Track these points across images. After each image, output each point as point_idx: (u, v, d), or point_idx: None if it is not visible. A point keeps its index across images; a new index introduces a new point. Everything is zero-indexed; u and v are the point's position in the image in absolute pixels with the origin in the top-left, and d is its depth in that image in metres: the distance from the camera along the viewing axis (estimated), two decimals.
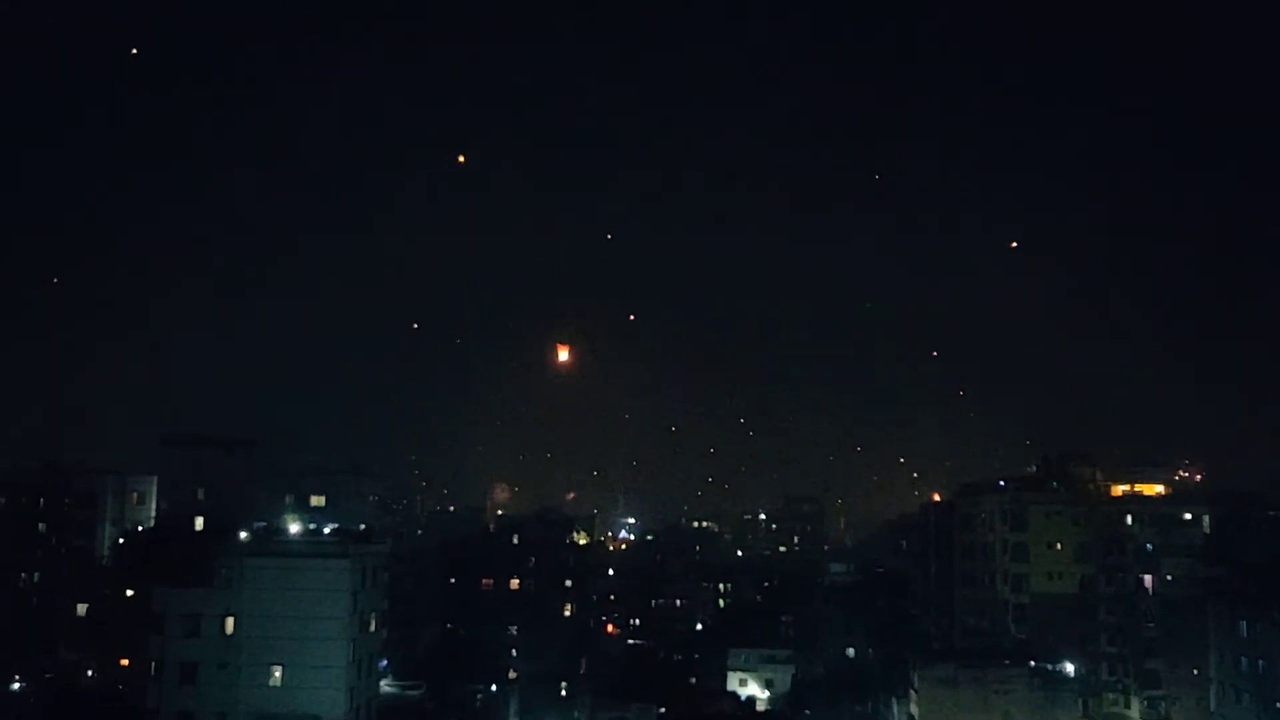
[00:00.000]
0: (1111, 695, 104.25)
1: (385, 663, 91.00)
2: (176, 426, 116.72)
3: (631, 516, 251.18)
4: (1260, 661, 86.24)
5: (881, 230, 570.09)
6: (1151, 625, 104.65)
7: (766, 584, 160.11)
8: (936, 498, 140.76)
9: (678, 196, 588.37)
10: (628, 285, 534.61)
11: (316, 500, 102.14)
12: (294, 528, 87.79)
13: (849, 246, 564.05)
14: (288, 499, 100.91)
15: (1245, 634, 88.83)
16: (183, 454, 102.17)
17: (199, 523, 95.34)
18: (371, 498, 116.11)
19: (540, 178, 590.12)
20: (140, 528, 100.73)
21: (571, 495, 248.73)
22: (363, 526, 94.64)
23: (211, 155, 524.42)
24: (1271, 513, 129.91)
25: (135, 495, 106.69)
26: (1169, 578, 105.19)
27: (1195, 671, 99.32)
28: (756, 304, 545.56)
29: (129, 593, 79.83)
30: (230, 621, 76.00)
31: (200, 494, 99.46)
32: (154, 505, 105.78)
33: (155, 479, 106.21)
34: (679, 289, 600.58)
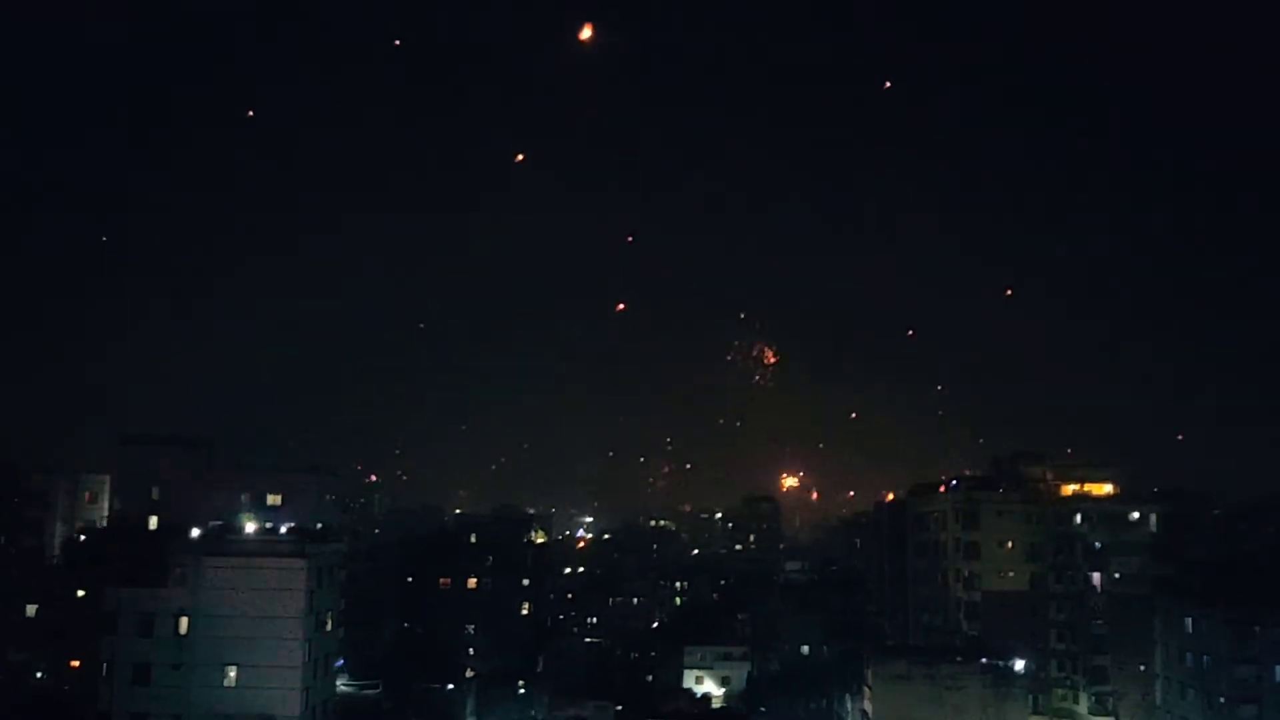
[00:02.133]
0: (1060, 691, 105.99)
1: (342, 662, 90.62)
2: (131, 426, 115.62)
3: (589, 516, 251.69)
4: (1205, 657, 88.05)
5: (842, 233, 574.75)
6: (1099, 622, 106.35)
7: (723, 582, 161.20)
8: (890, 497, 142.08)
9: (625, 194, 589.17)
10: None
11: (273, 499, 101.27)
12: (250, 527, 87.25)
13: (809, 246, 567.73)
14: (243, 498, 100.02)
15: (1191, 630, 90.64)
16: (138, 454, 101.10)
17: (153, 522, 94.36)
18: (329, 497, 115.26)
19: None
20: (93, 527, 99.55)
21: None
22: (319, 525, 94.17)
23: (174, 150, 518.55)
24: (1217, 512, 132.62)
25: (88, 494, 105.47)
26: (1117, 575, 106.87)
27: (1142, 667, 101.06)
28: (711, 302, 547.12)
29: (80, 593, 78.91)
30: (184, 621, 75.57)
31: (155, 493, 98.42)
32: (107, 504, 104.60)
33: (108, 478, 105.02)
34: (626, 288, 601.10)
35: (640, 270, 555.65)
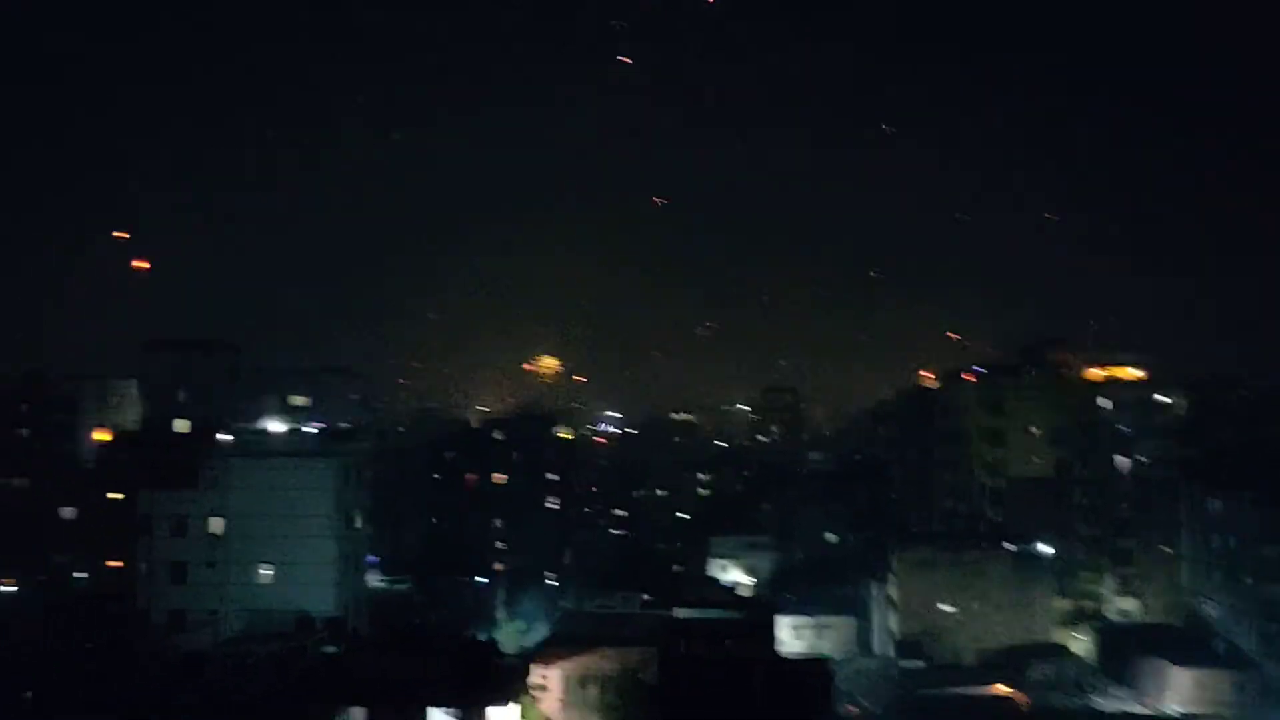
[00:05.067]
0: (1085, 574, 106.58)
1: (373, 559, 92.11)
2: (158, 331, 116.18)
3: (613, 411, 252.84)
4: (1230, 539, 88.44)
5: (855, 120, 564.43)
6: (1125, 506, 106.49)
7: (746, 474, 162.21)
8: (917, 384, 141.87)
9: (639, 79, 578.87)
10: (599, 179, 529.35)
11: (299, 400, 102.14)
12: (277, 428, 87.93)
13: (824, 137, 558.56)
14: (270, 400, 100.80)
15: (1216, 513, 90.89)
16: (164, 358, 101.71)
17: (182, 426, 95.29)
18: (354, 397, 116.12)
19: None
20: (123, 431, 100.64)
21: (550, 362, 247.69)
22: (345, 425, 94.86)
23: (185, 49, 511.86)
24: (1244, 394, 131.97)
25: (116, 399, 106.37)
26: (1143, 460, 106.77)
27: (1167, 550, 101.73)
28: (726, 197, 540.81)
29: (115, 496, 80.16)
30: (217, 522, 76.64)
31: (182, 397, 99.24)
32: (136, 409, 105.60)
33: (135, 382, 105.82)
34: (647, 181, 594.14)
35: (670, 167, 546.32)
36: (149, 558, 76.84)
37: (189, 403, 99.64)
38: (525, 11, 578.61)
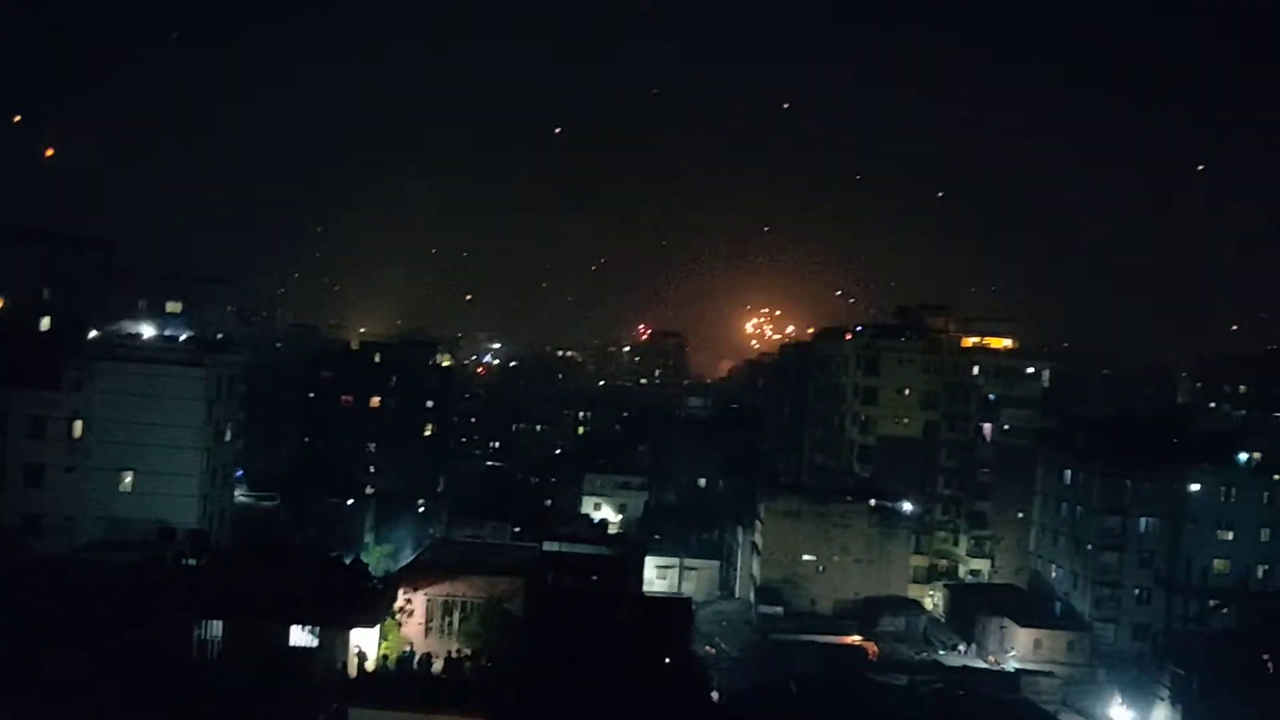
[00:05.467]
0: (942, 533, 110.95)
1: (241, 473, 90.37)
2: (24, 220, 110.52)
3: (496, 343, 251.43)
4: (1078, 507, 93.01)
5: (763, 67, 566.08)
6: (985, 471, 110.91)
7: (626, 414, 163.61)
8: (795, 339, 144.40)
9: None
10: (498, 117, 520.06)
11: (173, 307, 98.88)
12: (148, 333, 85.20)
13: (727, 80, 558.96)
14: (142, 304, 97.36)
15: (1068, 481, 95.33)
16: (29, 250, 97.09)
17: (45, 323, 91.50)
18: (230, 308, 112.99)
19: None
20: None
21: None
22: (220, 336, 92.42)
23: None
24: (1106, 373, 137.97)
25: None
26: (1006, 427, 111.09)
27: (1020, 515, 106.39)
28: (624, 138, 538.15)
29: None
30: (79, 425, 74.14)
31: (46, 294, 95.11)
32: None
33: None
34: (540, 120, 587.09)
35: (574, 99, 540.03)
36: (2, 459, 74.01)
37: (54, 299, 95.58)
38: None
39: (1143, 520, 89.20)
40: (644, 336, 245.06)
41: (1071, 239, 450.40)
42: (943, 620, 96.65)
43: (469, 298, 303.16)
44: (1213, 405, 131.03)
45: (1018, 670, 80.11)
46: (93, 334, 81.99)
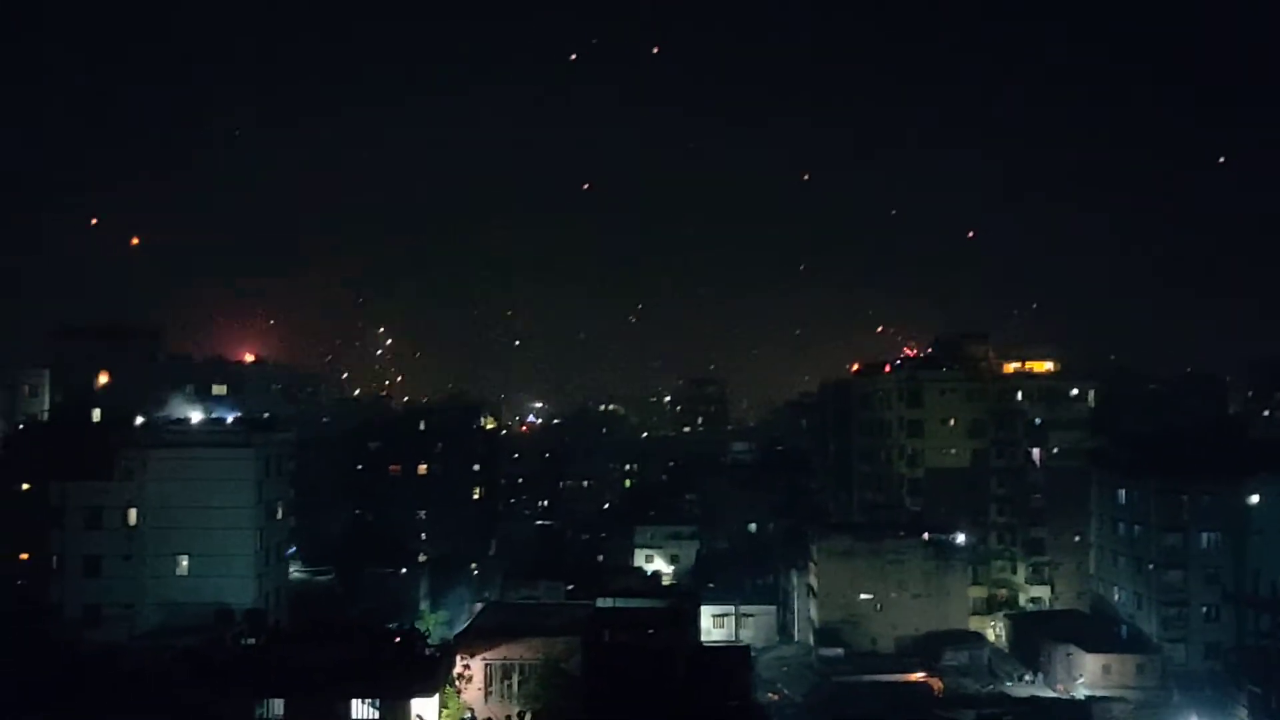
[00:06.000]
0: (999, 562, 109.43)
1: (294, 550, 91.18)
2: (69, 316, 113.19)
3: (539, 402, 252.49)
4: (1136, 526, 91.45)
5: (781, 112, 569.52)
6: (1038, 496, 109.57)
7: (671, 464, 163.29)
8: (837, 377, 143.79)
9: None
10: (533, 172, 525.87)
11: (218, 390, 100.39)
12: (196, 417, 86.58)
13: (750, 128, 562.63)
14: (188, 389, 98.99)
15: (1123, 501, 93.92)
16: (77, 345, 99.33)
17: (96, 414, 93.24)
18: (275, 386, 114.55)
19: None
20: (35, 421, 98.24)
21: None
22: (266, 415, 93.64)
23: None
24: (1152, 387, 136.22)
25: (27, 388, 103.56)
26: (1055, 450, 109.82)
27: (1077, 538, 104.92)
28: (651, 190, 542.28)
29: (25, 487, 78.31)
30: (133, 513, 75.35)
31: (97, 385, 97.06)
32: (48, 398, 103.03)
33: (47, 371, 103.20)
34: (570, 173, 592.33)
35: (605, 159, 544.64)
36: (61, 551, 75.23)
37: (104, 391, 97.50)
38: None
39: (1204, 536, 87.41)
40: (684, 384, 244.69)
41: (1105, 250, 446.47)
42: (1006, 651, 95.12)
43: (517, 343, 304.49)
44: (1266, 413, 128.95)
45: (1088, 698, 78.60)
46: (142, 421, 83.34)
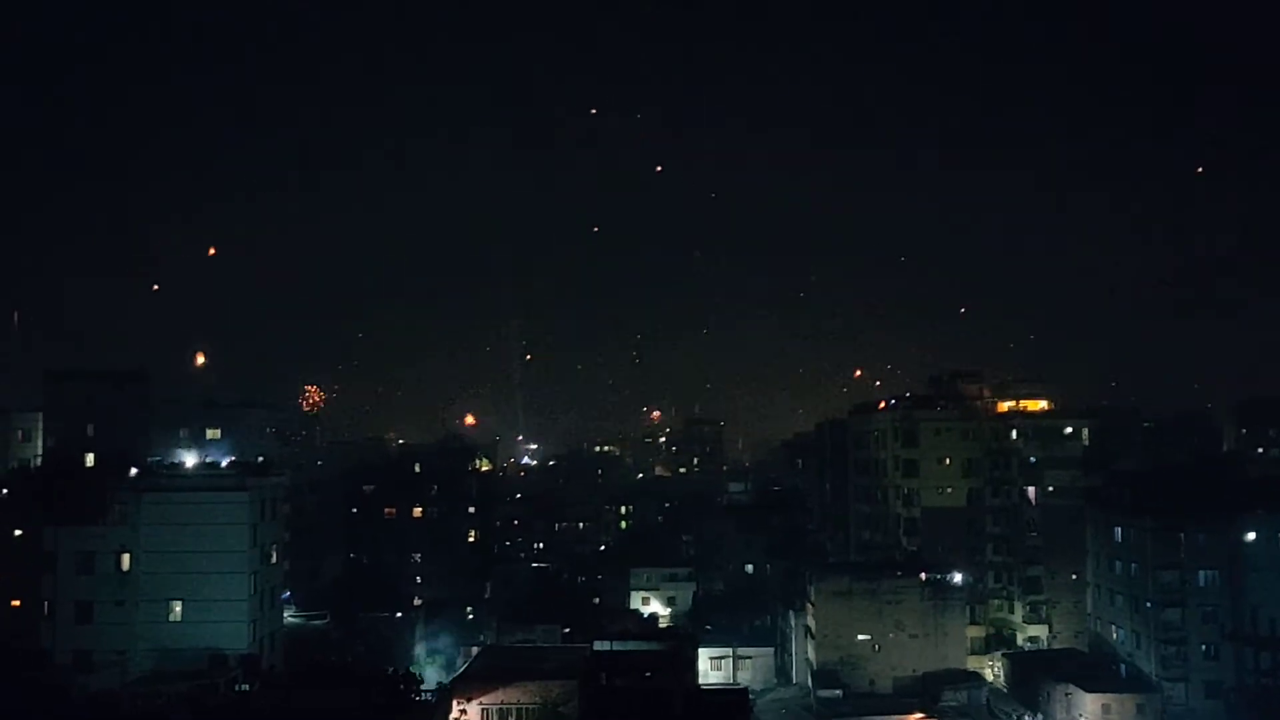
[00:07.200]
0: (996, 601, 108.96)
1: (288, 594, 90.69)
2: (64, 363, 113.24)
3: (533, 444, 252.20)
4: (1132, 564, 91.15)
5: (772, 148, 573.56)
6: (1034, 534, 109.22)
7: (667, 505, 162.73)
8: (833, 416, 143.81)
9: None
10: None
11: (212, 433, 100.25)
12: (189, 461, 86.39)
13: (738, 165, 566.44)
14: (182, 433, 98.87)
15: (1119, 539, 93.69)
16: (70, 389, 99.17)
17: (89, 459, 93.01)
18: (269, 429, 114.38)
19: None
20: (27, 465, 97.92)
21: (470, 420, 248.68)
22: (260, 459, 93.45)
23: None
24: (1146, 424, 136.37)
25: (20, 433, 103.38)
26: (1050, 489, 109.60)
27: (1074, 576, 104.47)
28: (645, 231, 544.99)
29: (17, 532, 77.96)
30: (126, 558, 74.97)
31: (90, 430, 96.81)
32: (40, 443, 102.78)
33: (40, 415, 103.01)
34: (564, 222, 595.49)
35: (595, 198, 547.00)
36: (53, 596, 74.74)
37: (97, 436, 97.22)
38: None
39: (1201, 574, 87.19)
40: (679, 425, 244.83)
41: (1097, 290, 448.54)
42: (1005, 690, 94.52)
43: (528, 357, 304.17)
44: (1260, 450, 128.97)
45: None
46: (135, 468, 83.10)
